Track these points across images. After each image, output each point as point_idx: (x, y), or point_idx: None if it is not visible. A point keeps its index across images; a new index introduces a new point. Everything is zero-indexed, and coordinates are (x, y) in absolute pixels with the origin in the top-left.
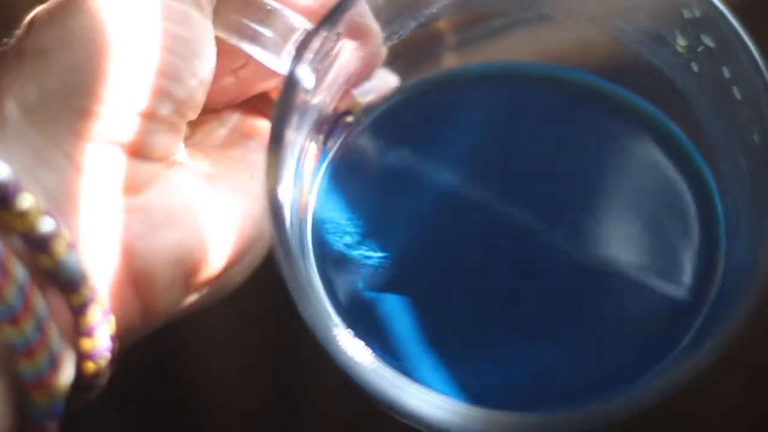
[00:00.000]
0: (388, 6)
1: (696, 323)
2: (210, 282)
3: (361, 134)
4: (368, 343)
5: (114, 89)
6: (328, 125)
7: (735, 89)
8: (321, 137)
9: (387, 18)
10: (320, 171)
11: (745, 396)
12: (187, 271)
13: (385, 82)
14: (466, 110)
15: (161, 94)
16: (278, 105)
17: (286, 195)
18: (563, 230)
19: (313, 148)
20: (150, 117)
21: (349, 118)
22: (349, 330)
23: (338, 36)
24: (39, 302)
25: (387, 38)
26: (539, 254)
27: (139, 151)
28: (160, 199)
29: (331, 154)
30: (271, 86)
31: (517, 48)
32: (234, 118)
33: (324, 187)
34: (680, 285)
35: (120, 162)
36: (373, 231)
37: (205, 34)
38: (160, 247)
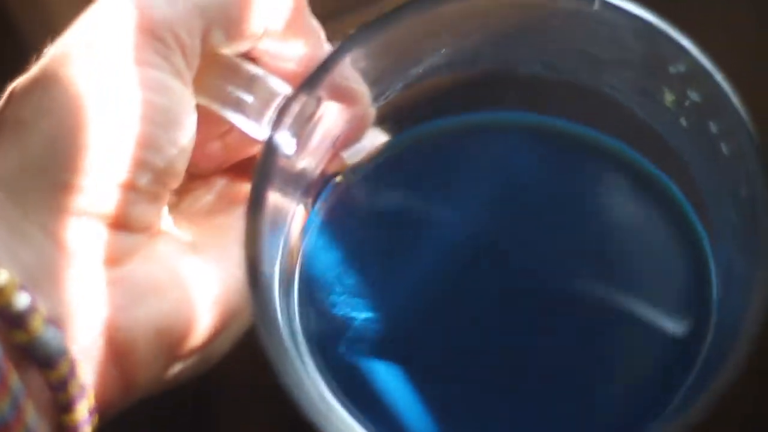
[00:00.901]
0: (374, 67)
1: (689, 378)
2: (194, 353)
3: (348, 194)
4: (354, 409)
5: (92, 160)
6: (317, 188)
7: (722, 144)
8: (310, 200)
9: (374, 79)
10: (308, 233)
11: None
12: (169, 343)
13: (374, 142)
14: (454, 164)
15: (140, 164)
16: (256, 172)
17: (266, 261)
18: (556, 289)
19: (301, 211)
20: (130, 188)
21: (338, 179)
22: (333, 396)
23: (319, 100)
24: (14, 379)
25: (375, 99)
26: (530, 314)
27: (119, 223)
28: (142, 271)
29: (318, 216)
30: (258, 151)
31: (507, 102)
32: (221, 185)
33: (311, 249)
34: (672, 340)
35: (100, 234)
36: (360, 291)
37: (184, 102)
38: (142, 320)
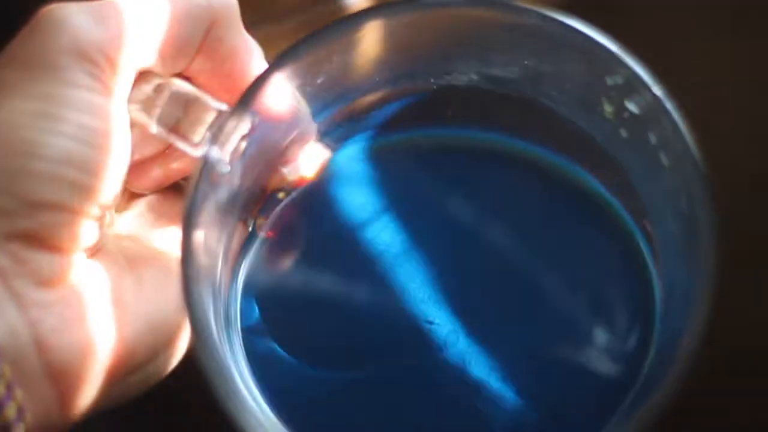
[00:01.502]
0: (312, 83)
1: (631, 393)
2: (134, 374)
3: (288, 210)
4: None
5: (20, 183)
6: (259, 204)
7: (662, 155)
8: (251, 217)
9: (313, 95)
10: (248, 249)
11: None
12: (107, 364)
13: (317, 159)
14: (396, 181)
15: (72, 185)
16: (190, 189)
17: (203, 278)
18: (495, 307)
19: (241, 228)
20: (61, 209)
21: (280, 195)
22: (276, 415)
23: (255, 116)
24: None
25: (315, 115)
26: (469, 333)
27: (51, 245)
28: (78, 293)
29: (258, 232)
30: None
31: (447, 116)
32: (161, 203)
33: (251, 265)
34: (615, 356)
35: (30, 256)
36: (300, 307)
37: (117, 122)
38: (78, 342)
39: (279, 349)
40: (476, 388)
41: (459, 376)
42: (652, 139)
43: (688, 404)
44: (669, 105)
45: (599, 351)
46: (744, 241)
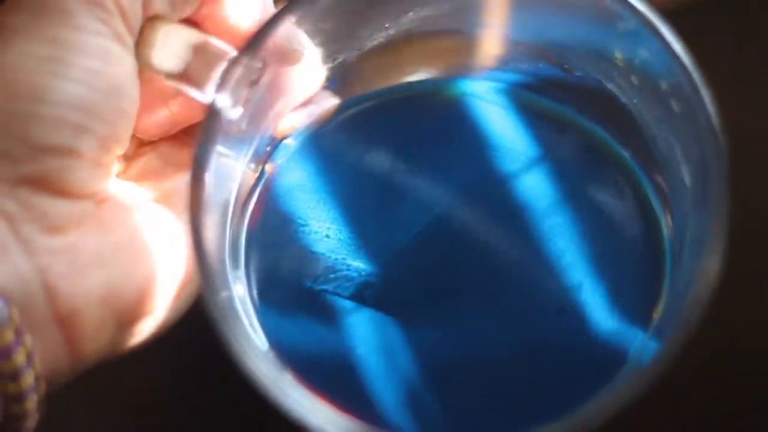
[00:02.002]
0: (323, 29)
1: (641, 342)
2: (142, 321)
3: (297, 155)
4: (301, 375)
5: (28, 127)
6: (267, 151)
7: (673, 102)
8: (260, 163)
9: (323, 40)
10: (256, 195)
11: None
12: (116, 312)
13: (325, 105)
14: (404, 128)
15: (81, 130)
16: (200, 135)
17: (212, 225)
18: (504, 256)
19: (249, 174)
20: (69, 154)
21: (288, 141)
22: (281, 361)
23: (264, 62)
24: None
25: (325, 61)
26: (479, 281)
27: (59, 190)
28: (87, 239)
29: (267, 178)
30: None
31: (458, 66)
32: (170, 150)
33: (259, 211)
34: (624, 307)
35: (38, 202)
36: (308, 253)
37: (126, 68)
38: (87, 289)
39: (285, 291)
40: (494, 329)
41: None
42: (663, 85)
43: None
44: (680, 50)
45: (609, 301)
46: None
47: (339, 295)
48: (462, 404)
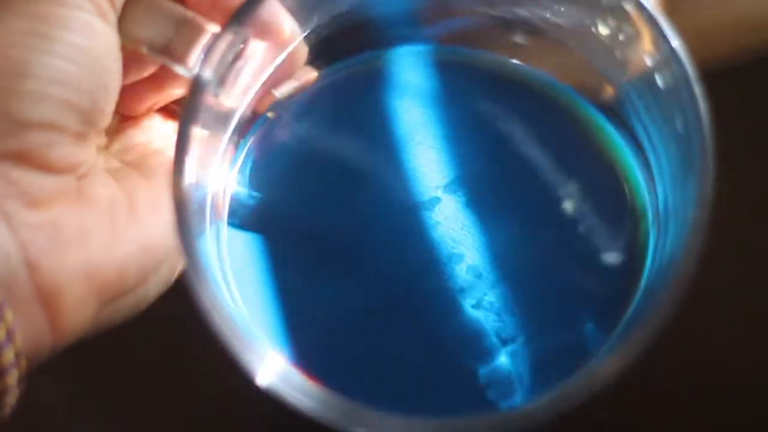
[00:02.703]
0: (304, 4)
1: (623, 319)
2: (124, 296)
3: (276, 128)
4: (277, 344)
5: (11, 102)
6: (250, 126)
7: (658, 77)
8: (242, 139)
9: (304, 16)
10: (237, 169)
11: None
12: (97, 287)
13: (306, 79)
14: (382, 95)
15: (63, 105)
16: (183, 110)
17: (194, 199)
18: (487, 225)
19: (232, 149)
20: (52, 129)
21: (269, 115)
22: (264, 332)
23: (247, 37)
24: None
25: (307, 36)
26: (459, 250)
27: (43, 165)
28: (69, 214)
29: (248, 151)
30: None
31: (440, 36)
32: (153, 125)
33: (241, 185)
34: (606, 283)
35: (21, 176)
36: (290, 224)
37: (108, 42)
38: (69, 264)
39: (265, 268)
40: (473, 294)
41: (454, 287)
42: (649, 60)
43: None
44: (666, 25)
45: (591, 274)
46: None
47: None
48: (427, 380)
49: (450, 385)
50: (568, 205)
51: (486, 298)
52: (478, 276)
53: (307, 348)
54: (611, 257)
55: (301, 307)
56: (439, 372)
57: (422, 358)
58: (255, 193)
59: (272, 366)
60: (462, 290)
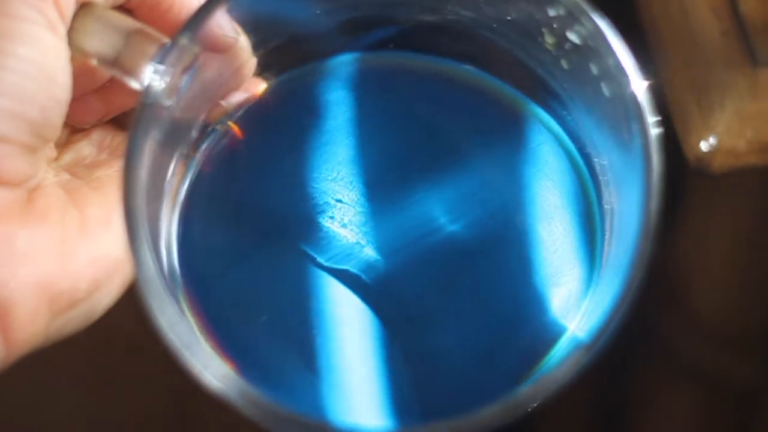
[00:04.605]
0: (254, 17)
1: (573, 322)
2: (75, 307)
3: (223, 140)
4: (228, 355)
5: None
6: (200, 138)
7: (603, 86)
8: (192, 150)
9: (254, 28)
10: (187, 181)
11: None
12: (49, 299)
13: (256, 91)
14: (328, 104)
15: (13, 117)
16: (133, 122)
17: (145, 211)
18: (438, 228)
19: (182, 161)
20: (1, 141)
21: (219, 127)
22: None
23: (197, 50)
24: None
25: (256, 48)
26: (414, 250)
27: None
28: (20, 227)
29: (197, 164)
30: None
31: (390, 45)
32: (103, 137)
33: (190, 199)
34: (557, 289)
35: None
36: (237, 235)
37: (58, 55)
38: (20, 277)
39: (215, 276)
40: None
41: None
42: (594, 69)
43: None
44: (610, 35)
45: (543, 279)
46: None
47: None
48: (402, 386)
49: (404, 394)
50: (518, 212)
51: (431, 303)
52: (448, 283)
53: (254, 354)
54: (563, 260)
55: (248, 312)
56: (389, 381)
57: (370, 370)
58: (205, 204)
59: (216, 371)
60: (431, 293)
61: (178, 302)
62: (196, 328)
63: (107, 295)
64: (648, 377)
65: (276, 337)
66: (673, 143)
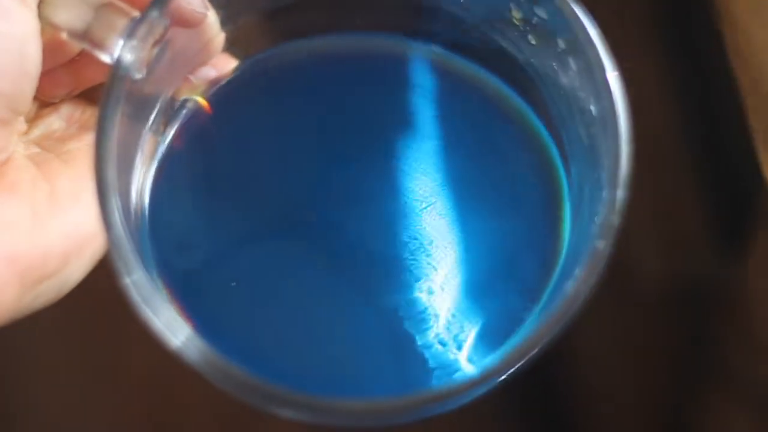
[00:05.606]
0: None
1: (541, 301)
2: (46, 281)
3: (193, 117)
4: (195, 323)
5: None
6: (168, 113)
7: (570, 60)
8: (161, 125)
9: (224, 4)
10: (157, 157)
11: None
12: (20, 272)
13: (224, 67)
14: (300, 86)
15: None
16: (104, 95)
17: (116, 185)
18: (408, 210)
19: (152, 136)
20: None
21: (188, 104)
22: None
23: (167, 24)
24: None
25: (224, 23)
26: (378, 237)
27: None
28: None
29: (167, 140)
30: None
31: (357, 25)
32: (72, 111)
33: (160, 173)
34: (525, 262)
35: None
36: (207, 213)
37: (27, 27)
38: None
39: (186, 246)
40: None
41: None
42: (561, 44)
43: None
44: (578, 9)
45: (508, 255)
46: None
47: None
48: (363, 355)
49: (386, 361)
50: (485, 186)
51: (421, 277)
52: (414, 257)
53: (218, 319)
54: (530, 233)
55: (216, 280)
56: (374, 348)
57: (353, 335)
58: (175, 178)
59: (178, 331)
60: (398, 267)
61: (147, 270)
62: (163, 292)
63: (78, 269)
64: (705, 399)
65: (242, 303)
66: (753, 164)
